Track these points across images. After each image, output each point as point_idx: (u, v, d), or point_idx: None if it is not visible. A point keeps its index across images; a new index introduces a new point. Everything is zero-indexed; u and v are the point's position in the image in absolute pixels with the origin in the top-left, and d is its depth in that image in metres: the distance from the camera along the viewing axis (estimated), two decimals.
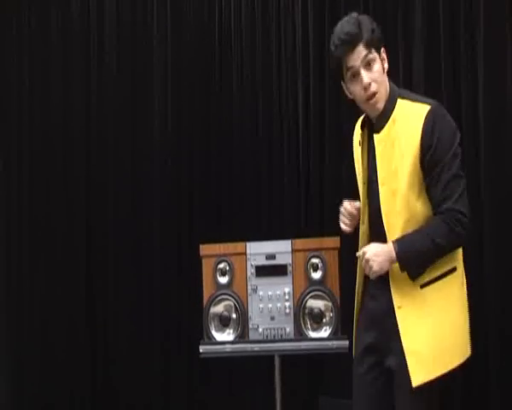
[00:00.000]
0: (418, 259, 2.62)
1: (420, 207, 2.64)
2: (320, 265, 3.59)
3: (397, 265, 2.63)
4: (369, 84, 2.65)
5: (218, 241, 3.78)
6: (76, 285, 4.71)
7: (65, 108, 4.83)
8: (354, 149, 2.90)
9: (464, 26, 4.09)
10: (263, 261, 3.65)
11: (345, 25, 2.69)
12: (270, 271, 3.63)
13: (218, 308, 3.65)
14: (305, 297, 3.58)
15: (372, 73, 2.66)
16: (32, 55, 4.88)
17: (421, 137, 2.59)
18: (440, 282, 2.64)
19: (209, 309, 3.63)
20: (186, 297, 4.48)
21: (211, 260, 3.67)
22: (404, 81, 4.19)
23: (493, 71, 4.00)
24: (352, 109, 3.03)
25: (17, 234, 4.80)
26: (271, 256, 3.64)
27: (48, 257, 4.76)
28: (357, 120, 2.94)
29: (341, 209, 2.84)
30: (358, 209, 2.82)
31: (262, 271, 3.64)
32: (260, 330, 3.62)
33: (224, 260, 3.66)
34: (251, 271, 3.65)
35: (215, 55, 4.65)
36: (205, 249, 3.71)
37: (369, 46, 2.65)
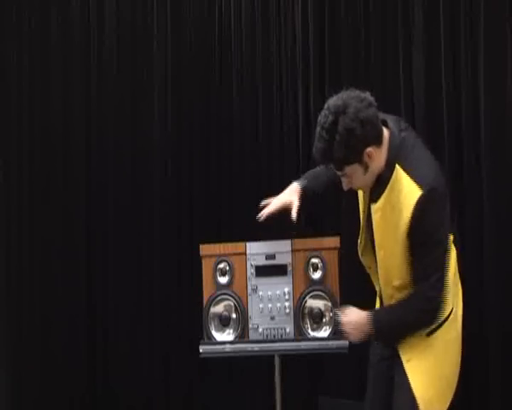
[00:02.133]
0: (391, 335, 2.72)
1: (409, 272, 2.69)
2: (320, 265, 3.58)
3: None
4: (350, 188, 2.71)
5: (218, 241, 3.78)
6: (76, 285, 4.71)
7: (65, 108, 4.82)
8: None
9: (464, 25, 4.09)
10: (263, 261, 3.64)
11: (316, 143, 2.59)
12: (270, 271, 3.63)
13: (218, 308, 3.64)
14: (305, 297, 3.58)
15: (353, 183, 2.67)
16: (32, 55, 4.87)
17: (410, 222, 2.57)
18: (444, 325, 2.70)
19: (209, 309, 3.63)
20: (186, 297, 4.47)
21: (211, 260, 3.66)
22: (404, 81, 4.21)
23: (493, 71, 4.00)
24: None
25: (17, 234, 4.79)
26: (271, 256, 3.64)
27: (48, 257, 4.75)
28: None
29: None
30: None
31: (262, 271, 3.63)
32: (260, 330, 3.61)
33: (224, 260, 3.66)
34: (251, 271, 3.64)
35: (215, 55, 4.65)
36: (205, 249, 3.70)
37: (340, 167, 2.60)
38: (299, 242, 3.66)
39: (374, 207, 2.69)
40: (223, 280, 3.65)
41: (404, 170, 2.58)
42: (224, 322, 3.63)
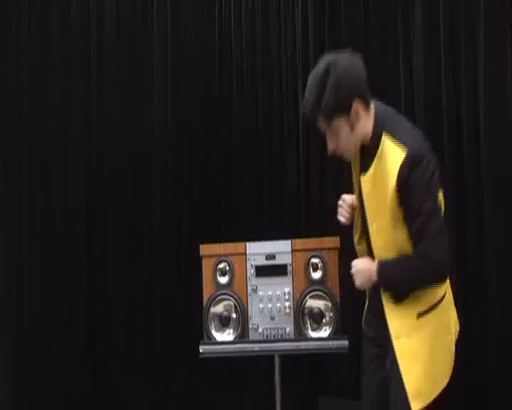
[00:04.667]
0: (395, 286, 2.71)
1: (407, 249, 2.68)
2: (320, 265, 3.59)
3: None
4: (334, 151, 2.73)
5: (218, 241, 3.78)
6: (76, 285, 4.71)
7: (65, 108, 4.82)
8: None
9: (464, 26, 4.09)
10: (263, 261, 3.65)
11: (307, 94, 2.66)
12: (270, 271, 3.63)
13: (218, 308, 3.65)
14: (305, 297, 3.58)
15: (336, 140, 2.69)
16: (32, 56, 4.87)
17: (397, 184, 2.60)
18: (435, 310, 2.70)
19: (209, 309, 3.63)
20: (186, 297, 4.47)
21: (211, 260, 3.67)
22: (404, 81, 4.21)
23: (493, 71, 4.00)
24: None
25: (17, 233, 4.79)
26: (271, 256, 3.64)
27: (48, 257, 4.75)
28: None
29: (340, 202, 2.90)
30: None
31: (262, 271, 3.64)
32: (260, 330, 3.62)
33: (224, 260, 3.66)
34: (251, 271, 3.65)
35: (215, 54, 4.65)
36: (205, 249, 3.71)
37: (328, 117, 2.64)
38: (299, 242, 3.67)
39: (363, 178, 2.73)
40: (223, 280, 3.65)
41: (389, 137, 2.65)
42: (224, 322, 3.64)
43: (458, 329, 2.80)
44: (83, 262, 4.74)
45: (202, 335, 3.65)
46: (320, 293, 3.58)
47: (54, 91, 4.83)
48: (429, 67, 4.16)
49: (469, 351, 3.93)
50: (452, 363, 2.75)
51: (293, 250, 3.63)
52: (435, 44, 4.15)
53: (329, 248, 3.60)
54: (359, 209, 2.85)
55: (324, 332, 3.57)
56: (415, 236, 2.62)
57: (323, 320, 3.58)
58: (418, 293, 2.67)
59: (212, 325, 3.64)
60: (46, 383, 4.68)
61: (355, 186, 2.86)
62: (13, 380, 4.72)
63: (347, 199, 2.89)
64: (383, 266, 2.70)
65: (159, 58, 4.73)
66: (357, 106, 2.63)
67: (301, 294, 3.59)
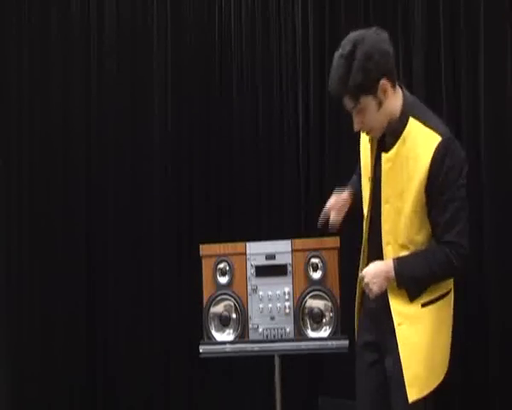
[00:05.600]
0: (414, 282, 2.67)
1: (419, 238, 2.68)
2: (320, 265, 3.59)
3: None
4: (360, 129, 2.70)
5: (218, 241, 3.78)
6: (76, 285, 4.71)
7: (65, 109, 4.82)
8: (362, 145, 2.90)
9: (464, 26, 4.09)
10: (263, 261, 3.65)
11: (333, 72, 2.65)
12: (270, 271, 3.64)
13: (218, 308, 3.65)
14: (305, 297, 3.58)
15: (363, 119, 2.66)
16: (32, 55, 4.87)
17: (430, 166, 2.58)
18: (439, 302, 2.70)
19: (209, 309, 3.63)
20: (186, 297, 4.47)
21: (211, 260, 3.67)
22: (404, 81, 4.20)
23: (494, 71, 4.00)
24: None
25: (17, 234, 4.79)
26: (271, 256, 3.64)
27: (48, 257, 4.75)
28: None
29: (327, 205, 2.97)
30: (346, 200, 2.97)
31: (262, 271, 3.64)
32: (260, 330, 3.62)
33: (224, 260, 3.66)
34: (251, 271, 3.65)
35: (215, 55, 4.65)
36: (205, 249, 3.71)
37: (356, 96, 2.61)
38: (299, 242, 3.67)
39: (385, 156, 2.69)
40: (223, 280, 3.66)
41: (420, 121, 2.63)
42: (224, 322, 3.64)
43: None
44: (83, 262, 4.73)
45: (202, 335, 3.65)
46: (320, 293, 3.58)
47: (54, 91, 4.83)
48: (429, 67, 4.15)
49: (469, 351, 3.93)
50: (447, 361, 2.76)
51: (293, 250, 3.63)
52: (435, 44, 4.15)
53: (329, 248, 3.60)
54: (370, 194, 2.79)
55: (324, 332, 3.58)
56: (444, 224, 2.59)
57: (323, 320, 3.58)
58: None
59: (212, 325, 3.64)
60: (46, 382, 4.68)
61: (364, 171, 2.83)
62: (13, 379, 4.72)
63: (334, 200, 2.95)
64: (400, 262, 2.66)
65: (159, 58, 4.73)
66: (384, 83, 2.59)
67: (301, 294, 3.59)
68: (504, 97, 3.98)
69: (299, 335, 3.57)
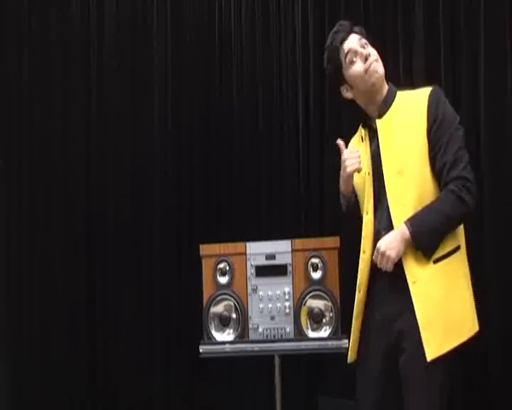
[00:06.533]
0: (431, 235, 2.65)
1: (432, 184, 2.71)
2: (320, 265, 3.59)
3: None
4: (369, 54, 2.82)
5: (218, 241, 3.78)
6: (76, 285, 4.71)
7: (65, 109, 4.82)
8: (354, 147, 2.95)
9: (464, 25, 4.09)
10: (263, 261, 3.65)
11: (344, 23, 2.91)
12: (270, 271, 3.63)
13: (218, 308, 3.64)
14: (305, 297, 3.58)
15: (369, 50, 2.84)
16: (32, 55, 4.87)
17: (428, 111, 2.69)
18: (451, 258, 2.69)
19: (209, 309, 3.63)
20: (186, 297, 4.47)
21: (211, 260, 3.67)
22: (404, 81, 4.20)
23: (494, 71, 4.00)
24: (352, 111, 3.05)
25: (17, 234, 4.79)
26: (271, 256, 3.64)
27: (48, 257, 4.75)
28: (356, 119, 2.97)
29: (344, 154, 2.86)
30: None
31: (262, 271, 3.64)
32: (260, 330, 3.62)
33: (224, 260, 3.66)
34: (251, 271, 3.64)
35: (215, 55, 4.65)
36: (205, 249, 3.71)
37: (361, 35, 2.87)
38: (299, 242, 3.67)
39: (380, 122, 2.79)
40: (223, 280, 3.65)
41: (407, 91, 2.84)
42: (224, 322, 3.64)
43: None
44: (83, 262, 4.73)
45: (202, 335, 3.65)
46: (320, 293, 3.57)
47: (54, 91, 4.83)
48: (429, 67, 4.15)
49: (469, 351, 3.92)
50: (473, 322, 2.70)
51: (293, 250, 3.62)
52: (435, 45, 4.15)
53: (329, 248, 3.60)
54: (371, 175, 2.82)
55: (324, 332, 3.57)
56: (449, 164, 2.64)
57: (323, 320, 3.58)
58: None
59: (212, 325, 3.64)
60: (46, 382, 4.68)
61: (360, 175, 2.86)
62: (13, 380, 4.72)
63: (343, 145, 2.90)
64: (412, 220, 2.65)
65: (159, 58, 4.73)
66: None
67: (301, 294, 3.58)
68: (504, 97, 3.98)
69: (299, 335, 3.57)
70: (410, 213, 2.68)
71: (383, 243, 2.69)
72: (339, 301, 3.55)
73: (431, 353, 2.59)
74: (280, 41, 4.54)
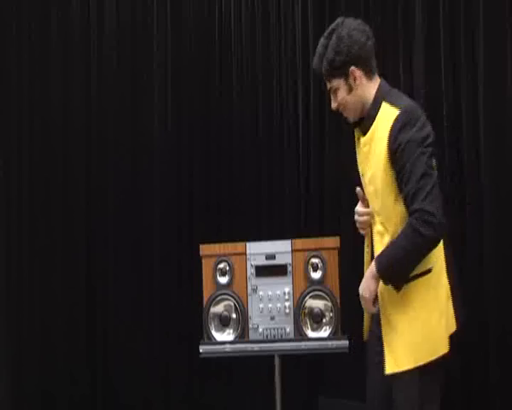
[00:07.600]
0: (395, 270, 2.65)
1: (397, 208, 2.68)
2: (320, 265, 3.59)
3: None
4: (336, 109, 2.85)
5: (218, 241, 3.78)
6: (76, 285, 4.71)
7: (65, 108, 4.82)
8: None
9: (464, 25, 4.09)
10: (263, 261, 3.65)
11: (316, 52, 2.86)
12: (270, 271, 3.63)
13: (218, 308, 3.65)
14: (305, 297, 3.58)
15: (337, 99, 2.82)
16: (32, 55, 4.87)
17: (388, 141, 2.64)
18: (417, 281, 2.67)
19: (209, 309, 3.63)
20: (186, 297, 4.47)
21: (211, 260, 3.67)
22: (404, 81, 4.20)
23: (493, 70, 4.00)
24: None
25: (17, 234, 4.79)
26: (271, 256, 3.64)
27: (48, 257, 4.75)
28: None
29: (356, 217, 2.88)
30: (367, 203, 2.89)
31: (262, 271, 3.64)
32: (260, 330, 3.62)
33: (224, 260, 3.66)
34: (251, 271, 3.65)
35: (215, 55, 4.65)
36: (205, 249, 3.71)
37: (328, 77, 2.81)
38: (299, 242, 3.67)
39: (363, 140, 2.79)
40: (223, 280, 3.65)
41: (389, 103, 2.72)
42: (224, 322, 3.64)
43: (455, 329, 2.72)
44: (83, 262, 4.74)
45: (202, 335, 3.65)
46: (320, 293, 3.57)
47: (54, 91, 4.83)
48: (429, 67, 4.15)
49: (469, 351, 3.93)
50: (439, 344, 2.66)
51: (293, 250, 3.63)
52: (435, 44, 4.15)
53: (329, 248, 3.60)
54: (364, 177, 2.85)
55: (324, 332, 3.57)
56: (410, 195, 2.58)
57: (323, 320, 3.58)
58: None
59: (212, 325, 3.64)
60: (46, 382, 4.68)
61: (358, 164, 2.89)
62: (13, 380, 4.72)
63: (360, 210, 2.87)
64: (378, 256, 2.68)
65: (159, 58, 4.73)
66: (354, 70, 2.74)
67: (301, 294, 3.58)
68: (504, 97, 3.99)
69: (299, 335, 3.57)
70: (377, 236, 2.74)
71: (360, 287, 2.74)
72: (339, 301, 3.55)
73: (388, 368, 2.66)
74: (280, 41, 4.54)
